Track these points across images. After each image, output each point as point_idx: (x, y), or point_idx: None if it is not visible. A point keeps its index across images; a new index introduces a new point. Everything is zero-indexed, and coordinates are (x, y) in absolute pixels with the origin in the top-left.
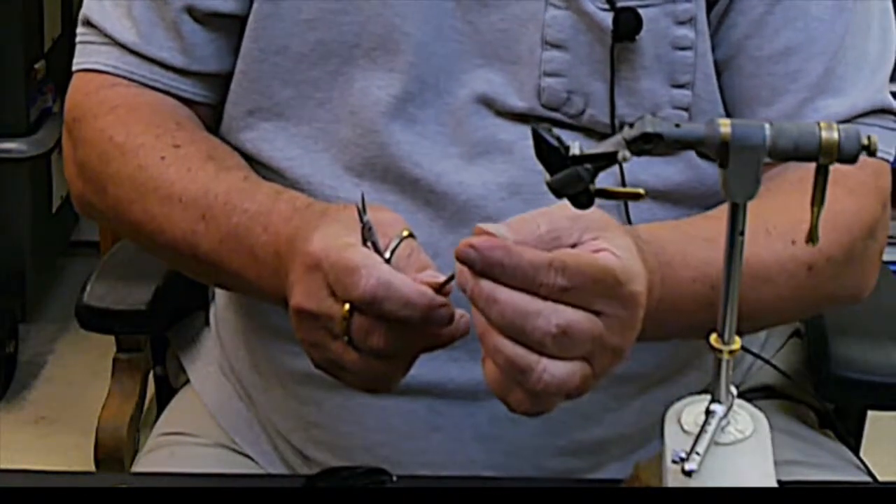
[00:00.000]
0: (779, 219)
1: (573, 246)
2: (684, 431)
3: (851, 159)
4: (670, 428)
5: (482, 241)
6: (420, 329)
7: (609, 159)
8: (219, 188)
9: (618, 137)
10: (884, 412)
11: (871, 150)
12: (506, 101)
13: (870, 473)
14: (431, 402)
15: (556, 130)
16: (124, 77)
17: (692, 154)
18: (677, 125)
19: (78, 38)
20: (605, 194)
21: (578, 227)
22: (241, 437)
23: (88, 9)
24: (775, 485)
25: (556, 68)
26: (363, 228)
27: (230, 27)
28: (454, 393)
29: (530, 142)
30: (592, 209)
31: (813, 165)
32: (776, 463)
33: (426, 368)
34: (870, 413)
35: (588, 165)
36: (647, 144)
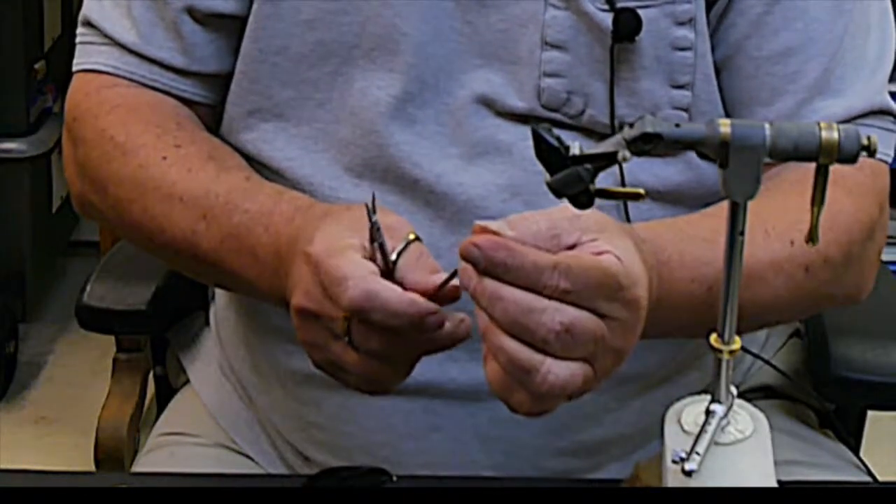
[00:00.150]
0: (777, 220)
1: (573, 246)
2: (684, 431)
3: (851, 159)
4: (670, 428)
5: (486, 240)
6: (415, 334)
7: (609, 159)
8: (220, 188)
9: (618, 137)
10: (884, 412)
11: (870, 151)
12: (505, 102)
13: (870, 473)
14: (431, 402)
15: (556, 131)
16: (124, 77)
17: (692, 155)
18: (677, 125)
19: (78, 39)
20: (605, 194)
21: (578, 228)
22: (241, 437)
23: (88, 9)
24: (775, 485)
25: (555, 69)
26: (371, 229)
27: (230, 27)
28: (454, 393)
29: (530, 142)
30: (591, 210)
31: (811, 166)
32: (776, 463)
33: (426, 368)
34: (870, 413)
35: (588, 165)
36: (647, 144)
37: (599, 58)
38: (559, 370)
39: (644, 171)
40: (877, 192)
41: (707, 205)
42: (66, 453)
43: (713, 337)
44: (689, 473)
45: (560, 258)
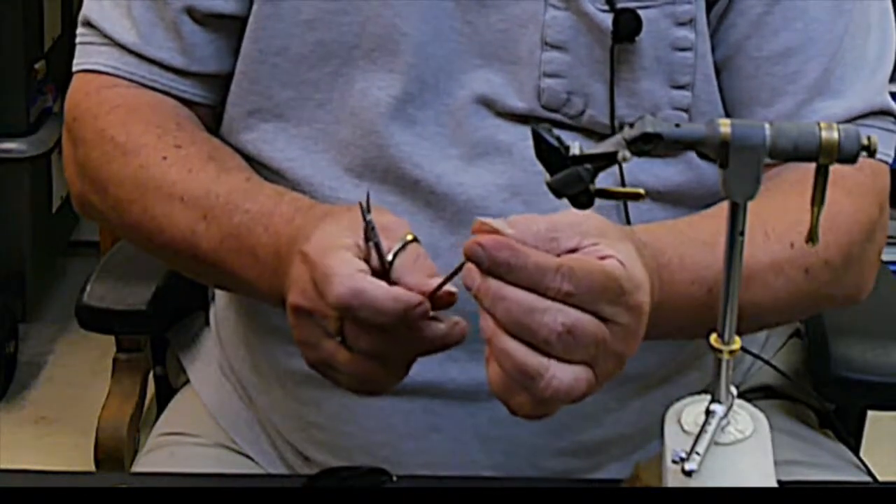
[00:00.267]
0: (777, 221)
1: (573, 250)
2: (684, 431)
3: (851, 159)
4: (670, 428)
5: (490, 240)
6: (407, 331)
7: (609, 159)
8: (220, 189)
9: (618, 137)
10: (884, 412)
11: (870, 151)
12: (505, 102)
13: (870, 473)
14: (431, 402)
15: (556, 131)
16: (124, 77)
17: (692, 155)
18: (677, 125)
19: (78, 39)
20: (605, 194)
21: (578, 232)
22: (241, 437)
23: (88, 9)
24: (775, 485)
25: (555, 69)
26: (366, 228)
27: (230, 28)
28: (454, 393)
29: (530, 143)
30: (592, 215)
31: (811, 166)
32: (776, 463)
33: (426, 369)
34: (870, 413)
35: (588, 165)
36: (647, 144)
37: (599, 58)
38: (563, 376)
39: (644, 172)
40: (877, 193)
41: (708, 205)
42: (66, 453)
43: (713, 337)
44: (689, 473)
45: (564, 261)
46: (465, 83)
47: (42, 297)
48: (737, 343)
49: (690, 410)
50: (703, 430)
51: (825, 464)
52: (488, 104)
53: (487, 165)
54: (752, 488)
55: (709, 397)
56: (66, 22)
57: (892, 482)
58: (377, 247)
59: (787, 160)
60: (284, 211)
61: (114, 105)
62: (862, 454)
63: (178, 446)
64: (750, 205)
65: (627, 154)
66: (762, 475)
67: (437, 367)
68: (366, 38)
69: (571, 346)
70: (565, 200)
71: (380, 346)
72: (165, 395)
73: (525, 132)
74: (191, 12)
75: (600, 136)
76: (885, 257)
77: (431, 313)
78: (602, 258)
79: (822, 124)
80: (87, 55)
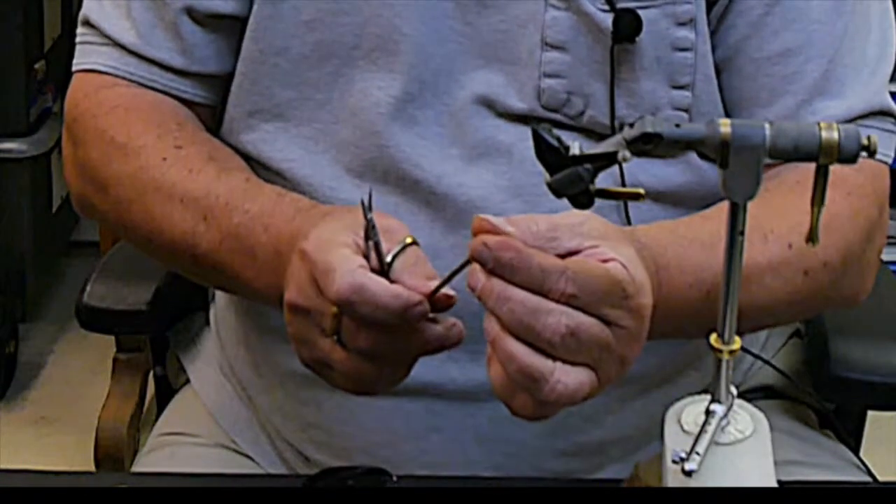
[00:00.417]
0: (776, 222)
1: (573, 251)
2: (684, 431)
3: (851, 159)
4: (670, 428)
5: (495, 240)
6: (405, 330)
7: (609, 159)
8: (220, 189)
9: (618, 137)
10: (884, 412)
11: (870, 151)
12: (506, 103)
13: (870, 473)
14: (431, 402)
15: (556, 131)
16: (124, 77)
17: (692, 155)
18: (677, 125)
19: (78, 39)
20: (605, 194)
21: (578, 233)
22: (241, 437)
23: (88, 9)
24: (775, 485)
25: (555, 69)
26: (366, 226)
27: (230, 28)
28: (454, 394)
29: (530, 143)
30: (593, 217)
31: (811, 167)
32: (776, 463)
33: (426, 369)
34: (870, 413)
35: (588, 165)
36: (647, 144)
37: (599, 58)
38: (568, 379)
39: (644, 172)
40: (876, 194)
41: (708, 205)
42: (66, 453)
43: (713, 337)
44: (689, 473)
45: (568, 263)
46: (466, 83)
47: (42, 297)
48: (737, 343)
49: (690, 410)
50: (703, 430)
51: (825, 464)
52: (488, 104)
53: (488, 166)
54: (752, 488)
55: (709, 397)
56: (66, 22)
57: (892, 482)
58: (377, 246)
59: (787, 160)
60: (285, 211)
61: (113, 105)
62: (862, 454)
63: (178, 446)
64: (749, 206)
65: (627, 154)
66: (762, 475)
67: (438, 367)
68: (366, 38)
69: (575, 348)
70: (565, 200)
71: (376, 345)
72: (165, 395)
73: (525, 132)
74: (190, 12)
75: (600, 136)
76: (885, 257)
77: (430, 315)
78: (605, 261)
79: (823, 124)
80: (86, 55)
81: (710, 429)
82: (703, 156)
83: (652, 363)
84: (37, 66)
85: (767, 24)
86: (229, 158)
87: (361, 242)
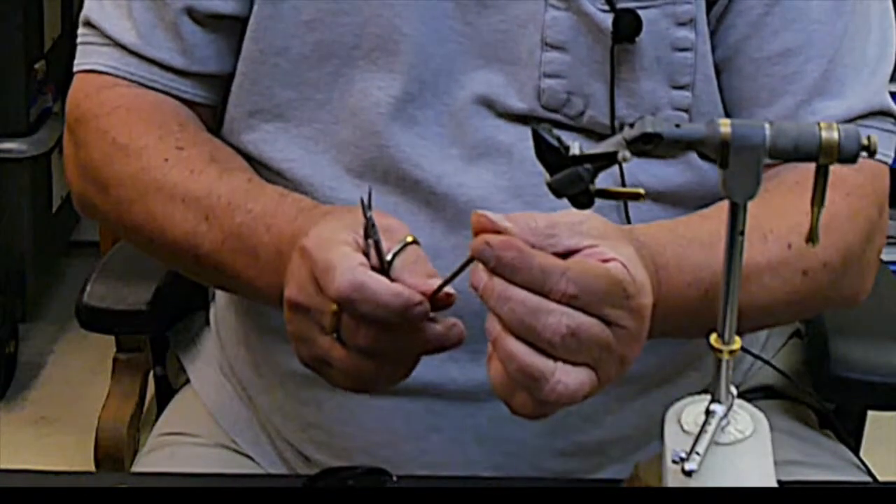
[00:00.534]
0: (776, 222)
1: (572, 250)
2: (684, 431)
3: (851, 159)
4: (670, 428)
5: (497, 239)
6: (404, 329)
7: (609, 159)
8: (222, 189)
9: (618, 137)
10: (884, 412)
11: (870, 151)
12: (506, 103)
13: (870, 473)
14: (431, 402)
15: (556, 131)
16: (124, 78)
17: (693, 155)
18: (677, 125)
19: (79, 39)
20: (605, 194)
21: (577, 232)
22: (241, 437)
23: (89, 9)
24: (775, 485)
25: (555, 69)
26: (366, 225)
27: (230, 28)
28: (454, 394)
29: (530, 143)
30: (592, 216)
31: (811, 167)
32: (776, 463)
33: (426, 369)
34: (870, 413)
35: (588, 165)
36: (647, 144)
37: (599, 58)
38: (568, 379)
39: (644, 172)
40: (876, 195)
41: (707, 205)
42: (66, 453)
43: (713, 337)
44: (689, 473)
45: (568, 264)
46: (466, 84)
47: (42, 297)
48: (737, 343)
49: (690, 410)
50: (703, 430)
51: (825, 464)
52: (488, 104)
53: (488, 166)
54: (752, 488)
55: (709, 397)
56: (66, 22)
57: (892, 482)
58: (377, 245)
59: (787, 160)
60: (287, 211)
61: (115, 105)
62: (862, 454)
63: (178, 446)
64: (749, 206)
65: (627, 154)
66: (762, 475)
67: (438, 367)
68: (366, 38)
69: (575, 348)
70: (565, 200)
71: (376, 343)
72: (165, 395)
73: (525, 132)
74: (191, 13)
75: (600, 136)
76: (885, 257)
77: (430, 314)
78: (605, 261)
79: (822, 124)
80: (87, 55)
81: (710, 429)
82: (703, 156)
83: (652, 363)
84: (37, 66)
85: (767, 24)
86: (231, 159)
87: (361, 241)
